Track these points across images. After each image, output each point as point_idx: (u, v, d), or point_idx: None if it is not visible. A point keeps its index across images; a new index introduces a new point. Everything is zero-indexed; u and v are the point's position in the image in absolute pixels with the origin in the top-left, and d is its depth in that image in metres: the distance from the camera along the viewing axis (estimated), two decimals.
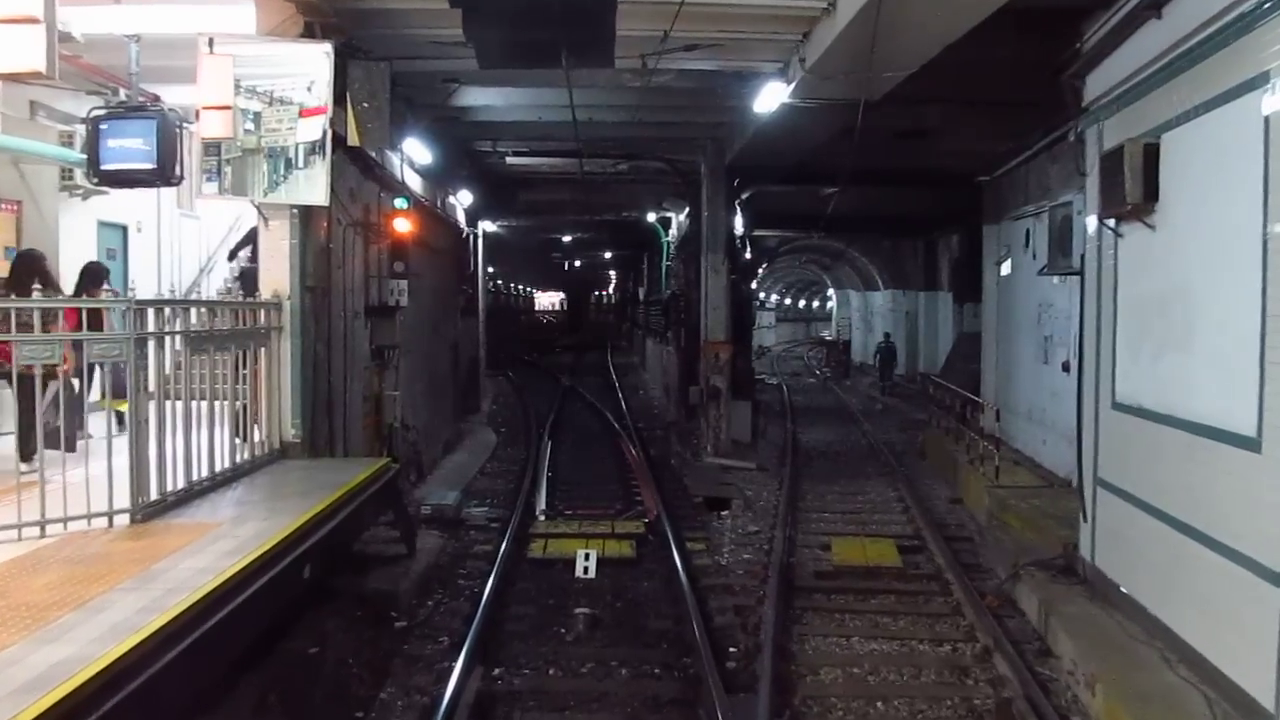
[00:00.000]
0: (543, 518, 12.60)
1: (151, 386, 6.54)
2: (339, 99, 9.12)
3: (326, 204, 8.97)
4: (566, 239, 33.82)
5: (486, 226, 23.62)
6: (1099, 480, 8.83)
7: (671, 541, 11.12)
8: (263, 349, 8.71)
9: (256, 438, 8.49)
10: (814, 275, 50.22)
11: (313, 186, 8.70)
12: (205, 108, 8.24)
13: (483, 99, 13.29)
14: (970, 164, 17.01)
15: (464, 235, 17.91)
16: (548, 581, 10.09)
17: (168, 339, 6.85)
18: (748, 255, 21.87)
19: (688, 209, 21.92)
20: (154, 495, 6.51)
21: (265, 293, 8.99)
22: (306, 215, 9.16)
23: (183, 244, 13.60)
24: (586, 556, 10.41)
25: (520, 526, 11.94)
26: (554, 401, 24.93)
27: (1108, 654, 7.20)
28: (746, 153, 15.56)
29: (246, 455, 8.14)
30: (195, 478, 7.09)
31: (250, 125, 8.45)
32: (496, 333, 56.74)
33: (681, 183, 20.27)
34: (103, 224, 11.93)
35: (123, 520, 6.27)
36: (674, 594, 9.50)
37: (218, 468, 7.47)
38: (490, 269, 55.91)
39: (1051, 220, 11.47)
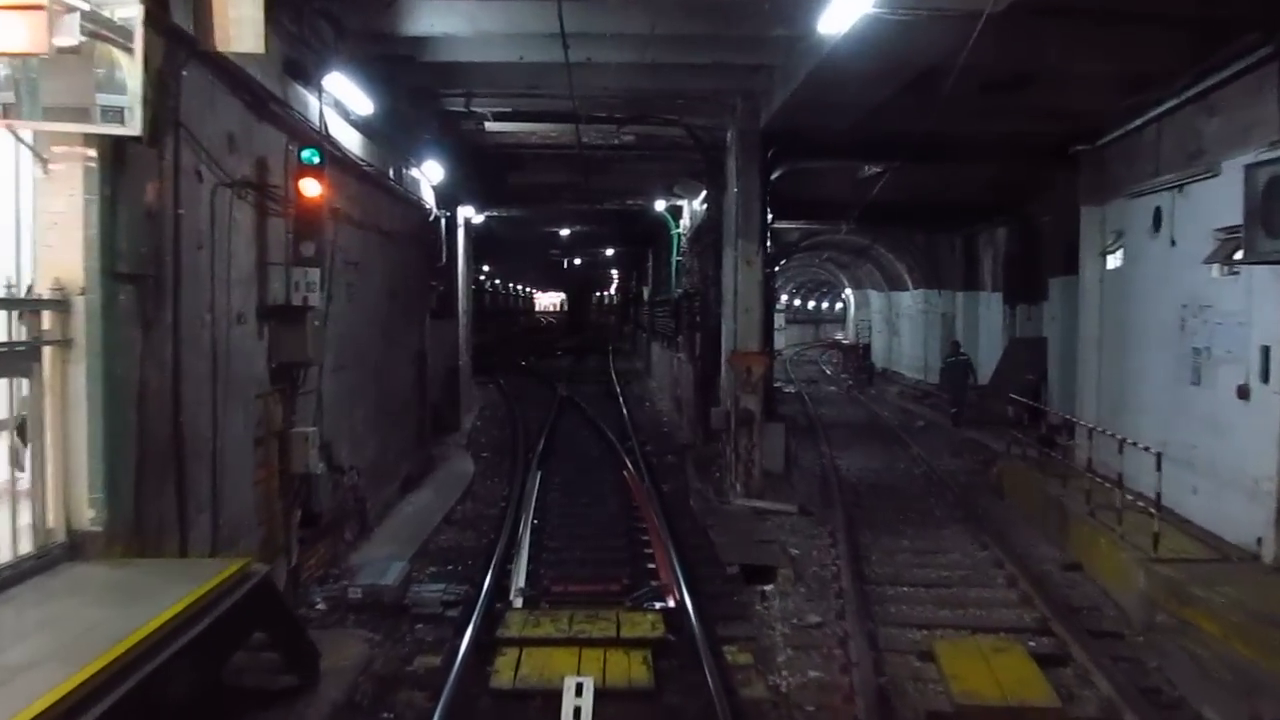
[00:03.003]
0: (520, 602, 8.85)
1: None
2: None
3: (140, 134, 5.26)
4: (565, 233, 30.08)
5: (468, 214, 19.88)
6: None
7: (703, 651, 7.43)
8: (27, 379, 5.03)
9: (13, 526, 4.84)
10: (827, 275, 46.45)
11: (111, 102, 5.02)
12: None
13: (441, 23, 9.55)
14: (1063, 129, 13.30)
15: (432, 218, 14.19)
16: None
17: None
18: (769, 249, 18.10)
19: (704, 193, 18.19)
20: None
21: (41, 284, 5.30)
22: (119, 157, 5.46)
23: None
24: (579, 688, 6.70)
25: (488, 620, 8.22)
26: (548, 415, 21.19)
27: None
28: (789, 110, 11.82)
29: None
30: None
31: None
32: (491, 336, 53.72)
33: (701, 159, 16.51)
34: None
35: None
36: None
37: None
38: (486, 267, 52.96)
39: (1249, 186, 7.87)
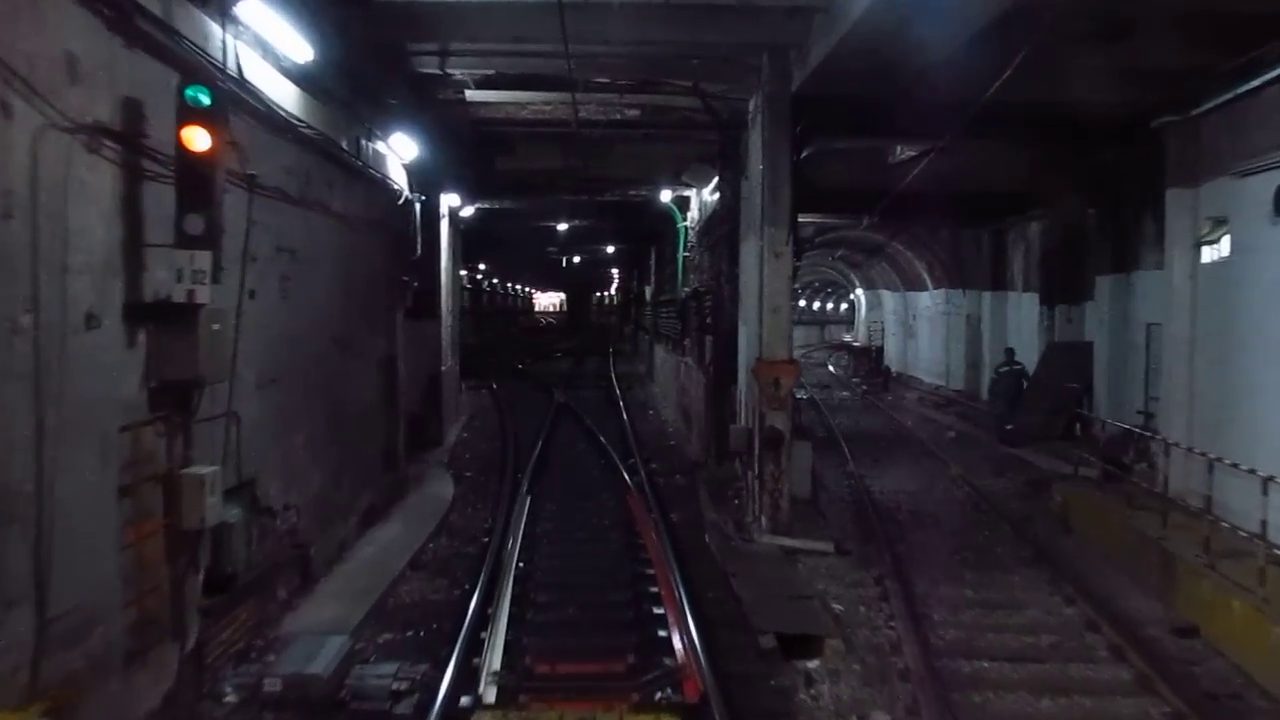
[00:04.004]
0: (492, 694, 6.63)
1: None
2: None
3: None
4: (562, 227, 27.84)
5: (453, 203, 17.66)
6: None
7: None
8: None
9: None
10: (836, 274, 44.24)
11: None
12: None
13: None
14: (1145, 98, 11.12)
15: (402, 201, 11.97)
16: None
17: None
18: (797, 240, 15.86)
19: (716, 179, 16.03)
20: None
21: None
22: None
23: None
24: None
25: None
26: (543, 426, 18.99)
27: None
28: (828, 71, 9.65)
29: None
30: None
31: None
32: (488, 337, 51.64)
33: (715, 139, 14.36)
34: None
35: None
36: None
37: None
38: (482, 266, 50.84)
39: None
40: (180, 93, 5.49)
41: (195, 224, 5.44)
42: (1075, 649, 8.09)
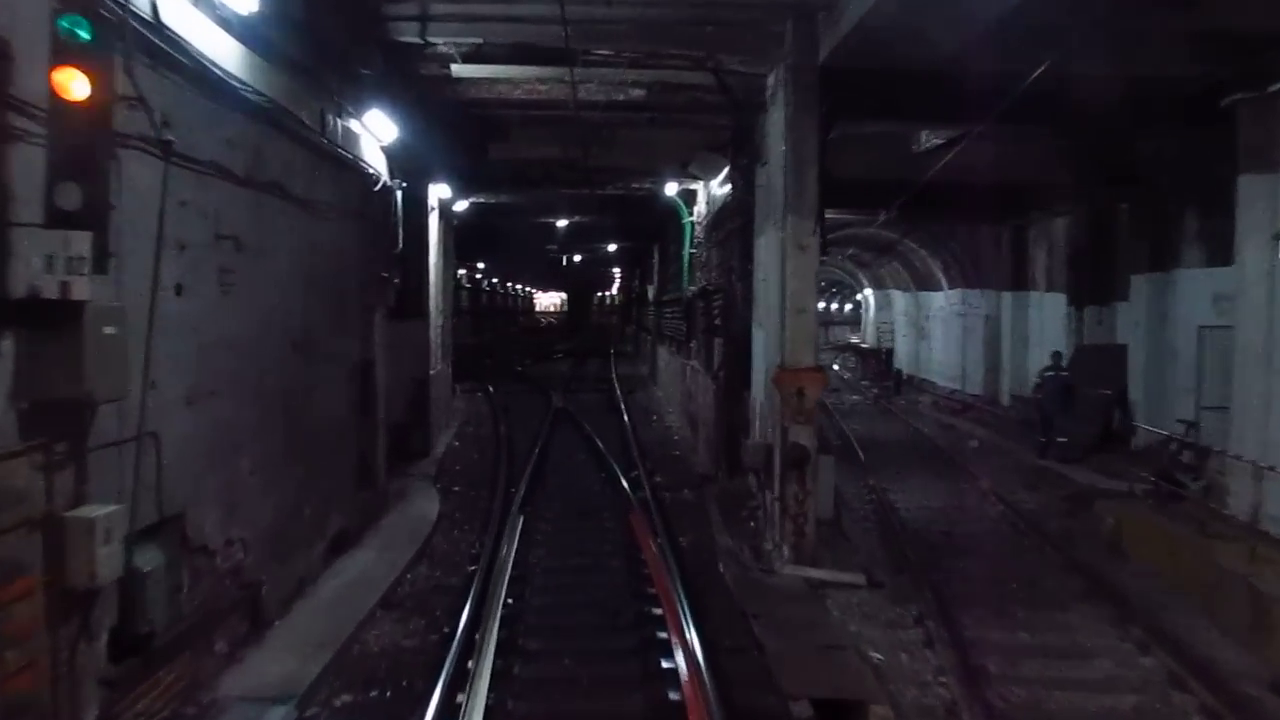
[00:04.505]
0: None
1: None
2: None
3: None
4: (562, 223, 26.48)
5: (443, 194, 16.33)
6: None
7: None
8: None
9: None
10: (843, 274, 42.85)
11: None
12: None
13: None
14: (1216, 73, 9.80)
15: (379, 187, 10.62)
16: None
17: None
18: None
19: (726, 169, 14.73)
20: None
21: None
22: None
23: None
24: None
25: None
26: (539, 433, 17.68)
27: None
28: (863, 36, 8.33)
29: None
30: None
31: None
32: (487, 338, 50.33)
33: (727, 124, 13.09)
34: None
35: None
36: None
37: None
38: (481, 265, 49.51)
39: None
40: (53, 24, 4.17)
41: (70, 196, 4.13)
42: (1164, 713, 6.78)
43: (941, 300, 28.61)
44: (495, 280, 59.84)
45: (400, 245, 11.25)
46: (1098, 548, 10.98)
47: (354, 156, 9.67)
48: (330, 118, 8.92)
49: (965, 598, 9.07)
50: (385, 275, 10.97)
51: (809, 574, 9.09)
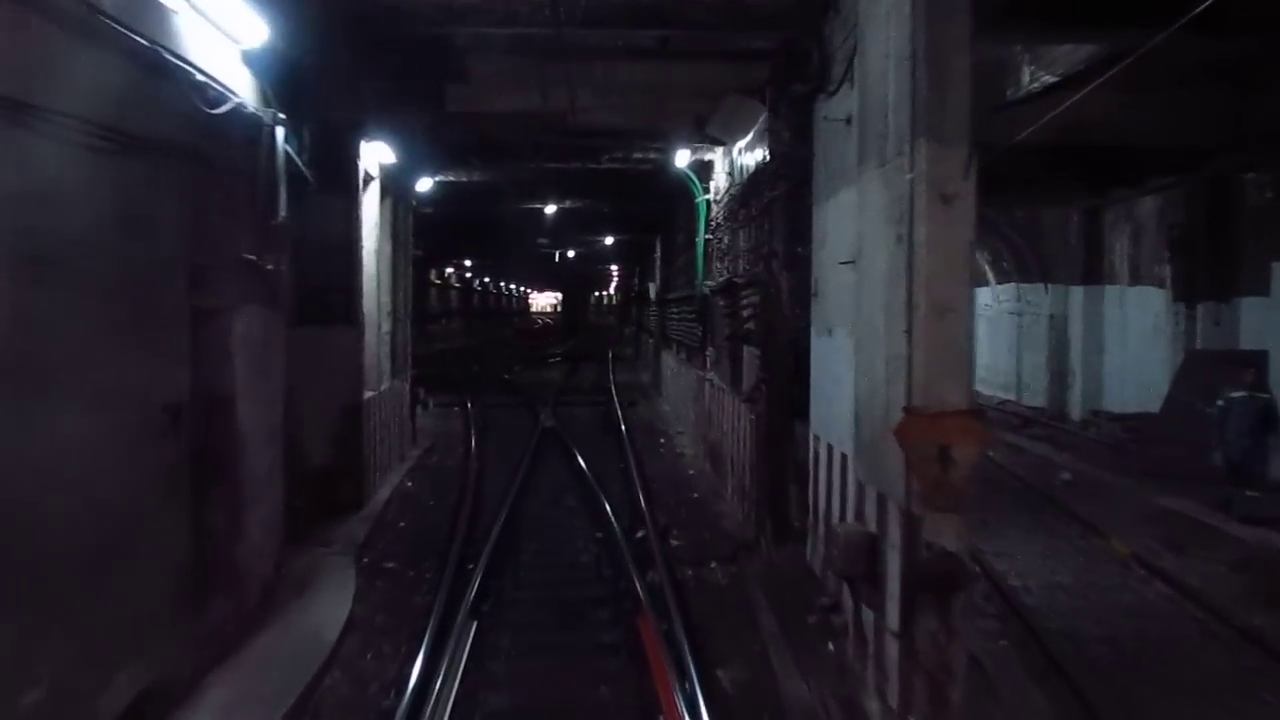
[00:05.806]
0: None
1: None
2: None
3: None
4: (550, 210, 22.34)
5: (384, 158, 12.10)
6: None
7: None
8: None
9: None
10: None
11: None
12: None
13: None
14: None
15: (234, 118, 6.42)
16: None
17: None
18: None
19: (764, 119, 10.61)
20: None
21: None
22: None
23: None
24: None
25: None
26: (518, 470, 13.59)
27: None
28: None
29: None
30: None
31: None
32: (477, 340, 46.27)
33: (775, 45, 9.00)
34: None
35: None
36: None
37: None
38: (468, 262, 45.41)
39: None
40: None
41: None
42: None
43: (988, 297, 24.48)
44: (486, 280, 55.97)
45: (281, 214, 7.12)
46: None
47: (177, 55, 5.53)
48: None
49: None
50: (253, 259, 6.84)
51: None
